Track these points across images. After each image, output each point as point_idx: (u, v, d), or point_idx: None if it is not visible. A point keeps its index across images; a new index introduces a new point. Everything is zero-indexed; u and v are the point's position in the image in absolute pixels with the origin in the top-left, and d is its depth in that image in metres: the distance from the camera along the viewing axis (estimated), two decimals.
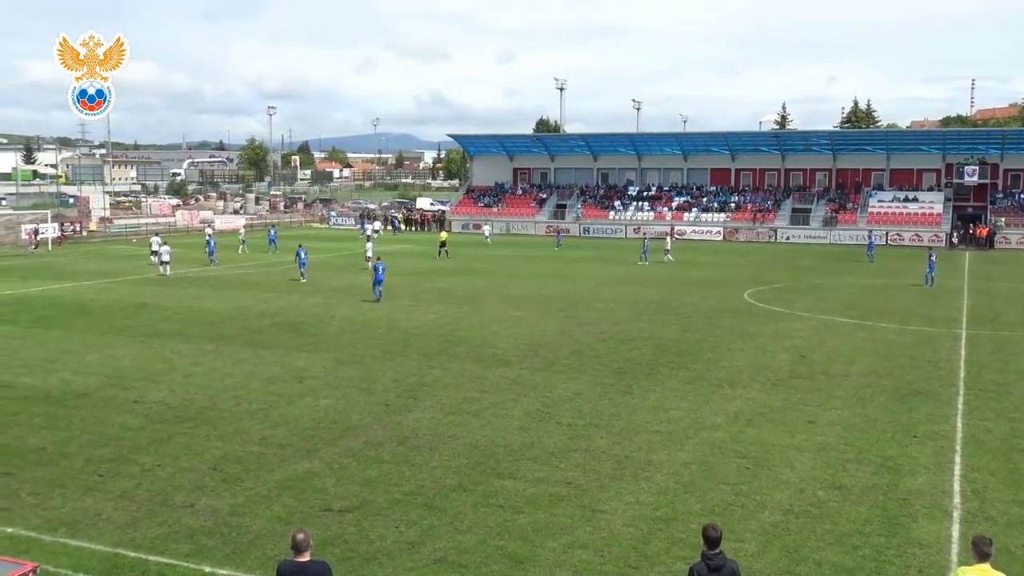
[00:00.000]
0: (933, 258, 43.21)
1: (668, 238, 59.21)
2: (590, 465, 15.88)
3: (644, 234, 65.60)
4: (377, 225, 69.86)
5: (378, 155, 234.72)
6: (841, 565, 11.95)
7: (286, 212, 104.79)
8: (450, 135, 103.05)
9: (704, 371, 23.53)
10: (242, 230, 63.65)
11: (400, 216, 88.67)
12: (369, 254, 49.13)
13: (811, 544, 12.57)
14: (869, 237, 61.45)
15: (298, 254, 44.40)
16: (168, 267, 45.53)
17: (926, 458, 16.42)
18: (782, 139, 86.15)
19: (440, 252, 56.50)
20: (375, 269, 36.82)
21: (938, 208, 73.72)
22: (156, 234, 58.17)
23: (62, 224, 71.83)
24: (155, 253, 47.56)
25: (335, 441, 17.25)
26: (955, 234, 70.69)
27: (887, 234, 71.19)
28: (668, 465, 15.92)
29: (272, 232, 61.13)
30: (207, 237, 54.38)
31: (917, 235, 70.87)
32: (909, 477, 15.39)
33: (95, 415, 19.03)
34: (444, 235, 61.31)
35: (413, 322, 30.97)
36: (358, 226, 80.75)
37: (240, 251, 57.51)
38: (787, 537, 12.82)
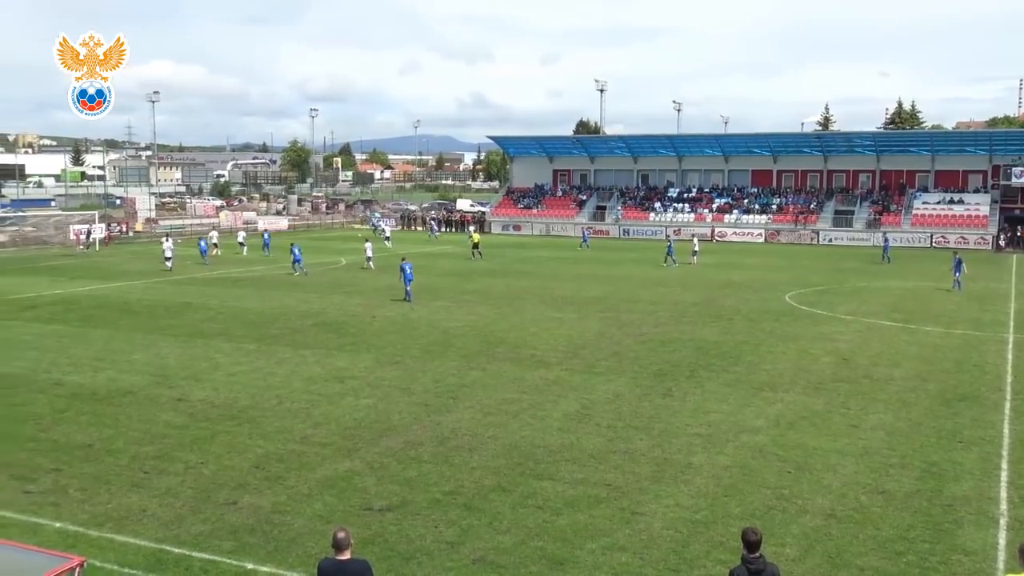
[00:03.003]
0: (959, 262, 41.97)
1: (695, 240, 58.67)
2: (629, 467, 15.82)
3: (668, 237, 65.39)
4: (388, 230, 70.24)
5: (419, 156, 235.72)
6: (884, 571, 11.79)
7: (327, 213, 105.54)
8: (490, 137, 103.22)
9: (745, 374, 23.34)
10: (241, 234, 63.58)
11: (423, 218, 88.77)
12: (369, 253, 49.56)
13: (853, 549, 12.42)
14: (884, 239, 60.69)
15: (292, 251, 46.96)
16: (171, 262, 47.97)
17: (972, 464, 16.15)
18: (825, 140, 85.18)
19: (473, 253, 56.62)
20: (402, 269, 36.67)
21: (984, 210, 72.42)
22: (167, 235, 59.05)
23: (109, 225, 73.10)
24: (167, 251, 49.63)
25: (375, 441, 17.35)
26: (1002, 237, 69.41)
27: (932, 236, 70.21)
28: (708, 468, 15.81)
29: (266, 236, 61.58)
30: (200, 240, 56.41)
31: (963, 237, 69.72)
32: (954, 483, 15.14)
33: (141, 413, 19.31)
34: (476, 236, 61.31)
35: (453, 323, 31.05)
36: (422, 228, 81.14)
37: (241, 253, 57.74)
38: (829, 542, 12.67)
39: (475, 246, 57.66)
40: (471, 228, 76.14)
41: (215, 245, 57.64)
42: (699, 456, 16.47)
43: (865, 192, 79.02)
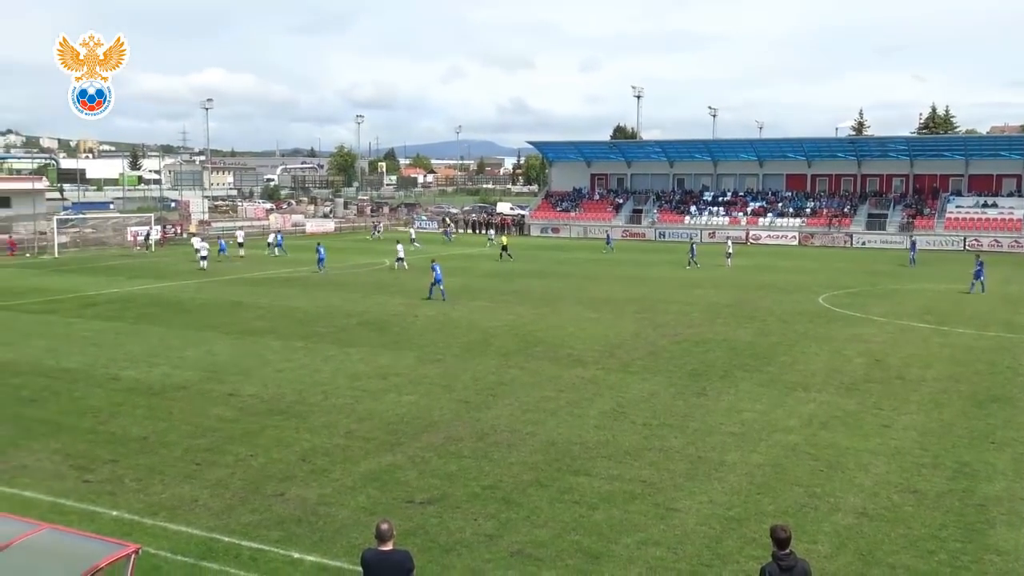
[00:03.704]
0: (981, 264, 41.09)
1: (729, 242, 58.38)
2: (664, 464, 15.74)
3: (692, 239, 64.82)
4: (414, 233, 71.29)
5: (460, 161, 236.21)
6: (916, 569, 11.62)
7: (372, 216, 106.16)
8: (530, 142, 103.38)
9: (778, 374, 23.11)
10: (272, 235, 64.81)
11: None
12: (401, 255, 50.55)
13: (885, 548, 12.25)
14: (911, 242, 59.74)
15: (317, 250, 49.35)
16: (206, 261, 50.04)
17: (1004, 464, 15.86)
18: (858, 145, 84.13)
19: (502, 255, 56.55)
20: (433, 270, 37.31)
21: (1018, 214, 71.05)
22: (196, 235, 60.45)
23: (164, 226, 74.18)
24: (197, 251, 51.52)
25: (417, 436, 17.42)
26: None
27: (965, 240, 69.06)
28: (741, 466, 15.68)
29: (279, 237, 62.85)
30: (219, 240, 59.74)
31: (996, 241, 68.56)
32: (986, 483, 14.88)
33: (193, 407, 19.56)
34: (504, 239, 61.36)
35: (492, 322, 31.09)
36: (441, 230, 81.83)
37: (268, 253, 59.22)
38: (861, 540, 12.51)
39: (504, 248, 57.58)
40: (490, 232, 75.72)
41: (240, 245, 59.10)
42: (733, 454, 16.34)
43: (899, 196, 77.94)
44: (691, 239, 64.82)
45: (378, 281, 43.92)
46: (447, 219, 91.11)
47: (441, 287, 36.67)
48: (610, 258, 59.46)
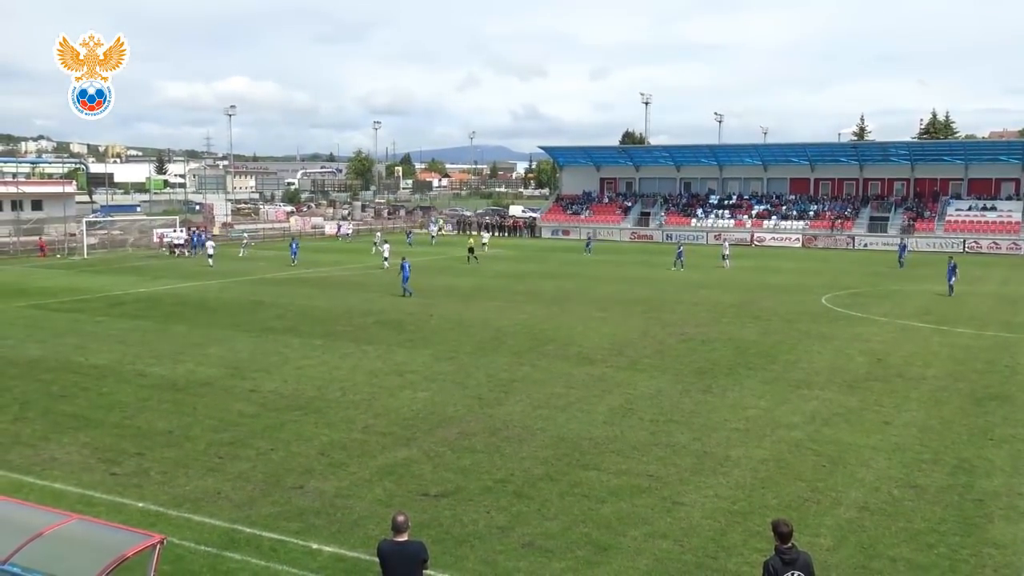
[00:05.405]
0: (954, 267, 40.40)
1: (726, 243, 57.75)
2: (671, 459, 15.71)
3: (679, 242, 63.57)
4: (378, 236, 70.11)
5: (474, 165, 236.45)
6: (915, 562, 11.57)
7: (389, 218, 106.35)
8: (541, 147, 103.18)
9: (782, 372, 23.04)
10: (245, 237, 66.55)
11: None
12: (386, 255, 51.17)
13: (886, 541, 12.20)
14: (901, 244, 59.28)
15: (291, 246, 54.77)
16: (212, 259, 52.04)
17: (1002, 460, 15.77)
18: (860, 150, 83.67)
19: (469, 258, 54.43)
20: (402, 268, 38.42)
21: (1016, 216, 70.67)
22: (210, 237, 61.37)
23: (188, 229, 74.32)
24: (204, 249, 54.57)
25: (432, 431, 17.43)
26: None
27: (964, 242, 68.67)
28: (746, 461, 15.63)
29: (200, 238, 64.63)
30: (209, 240, 61.31)
31: (995, 243, 68.15)
32: (985, 479, 14.79)
33: (216, 402, 19.62)
34: (472, 241, 58.46)
35: (505, 321, 31.08)
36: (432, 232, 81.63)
37: (240, 254, 60.24)
38: (862, 533, 12.46)
39: (470, 250, 55.31)
40: (485, 234, 72.33)
41: (180, 246, 61.67)
42: (737, 450, 16.30)
43: (900, 199, 77.55)
44: (679, 242, 63.81)
45: (393, 281, 43.89)
46: (423, 220, 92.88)
47: (406, 284, 37.82)
48: (616, 259, 59.24)
